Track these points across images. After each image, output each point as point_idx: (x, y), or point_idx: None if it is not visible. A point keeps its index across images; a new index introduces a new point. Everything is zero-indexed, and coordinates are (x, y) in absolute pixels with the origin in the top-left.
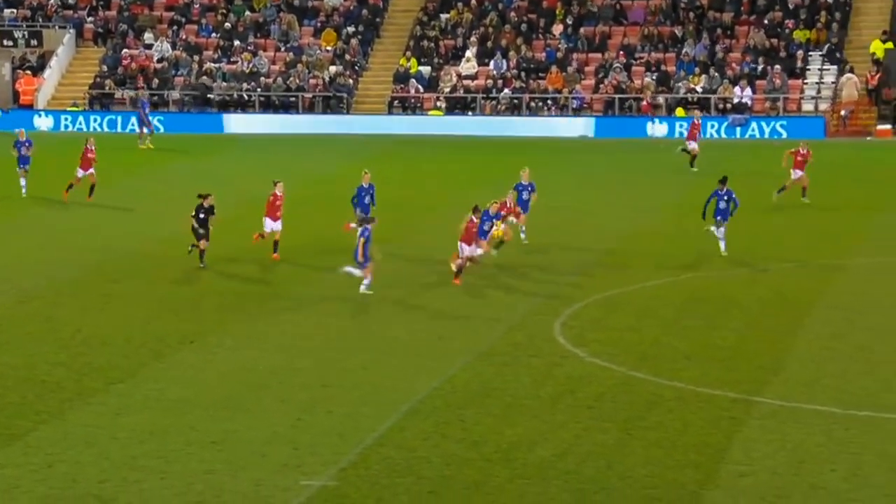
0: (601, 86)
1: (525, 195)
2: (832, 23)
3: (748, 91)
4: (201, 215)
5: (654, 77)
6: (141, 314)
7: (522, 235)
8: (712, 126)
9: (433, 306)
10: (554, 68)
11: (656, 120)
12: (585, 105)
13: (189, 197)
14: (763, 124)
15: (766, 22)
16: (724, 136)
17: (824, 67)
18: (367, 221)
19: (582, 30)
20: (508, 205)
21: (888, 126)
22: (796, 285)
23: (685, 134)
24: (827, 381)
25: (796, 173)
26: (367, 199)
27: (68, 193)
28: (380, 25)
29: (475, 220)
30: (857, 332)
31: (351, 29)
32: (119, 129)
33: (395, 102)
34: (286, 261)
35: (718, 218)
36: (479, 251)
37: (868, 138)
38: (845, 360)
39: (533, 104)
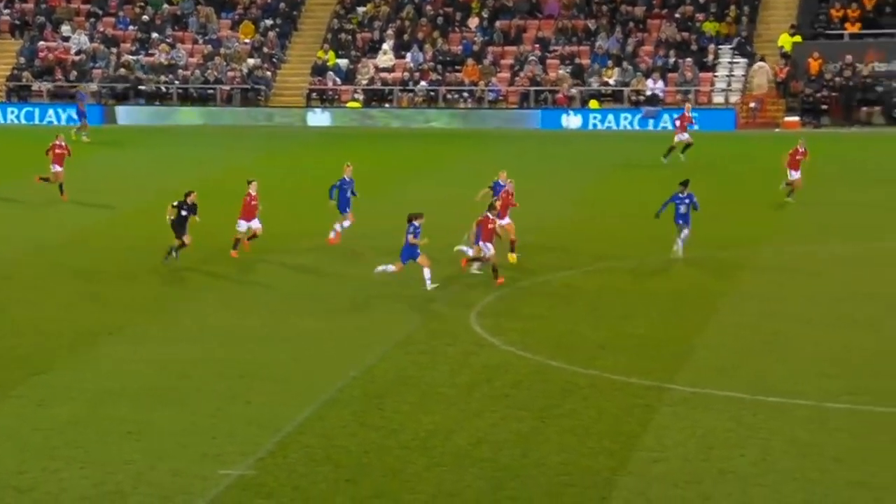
0: (516, 78)
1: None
2: (741, 17)
3: (660, 84)
4: (183, 212)
5: (568, 70)
6: (63, 305)
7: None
8: (625, 118)
9: (352, 297)
10: (470, 61)
11: (571, 112)
12: (501, 97)
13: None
14: (675, 116)
15: (677, 16)
16: (637, 127)
17: (734, 60)
18: (415, 218)
19: (497, 23)
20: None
21: (796, 118)
22: (708, 276)
23: (598, 126)
24: (737, 368)
25: (794, 174)
26: (348, 193)
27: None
28: (297, 18)
29: (490, 216)
30: (768, 321)
31: (269, 22)
32: (37, 122)
33: (313, 95)
34: (207, 254)
35: (680, 223)
36: (491, 250)
37: (776, 130)
38: (755, 348)
39: (449, 96)
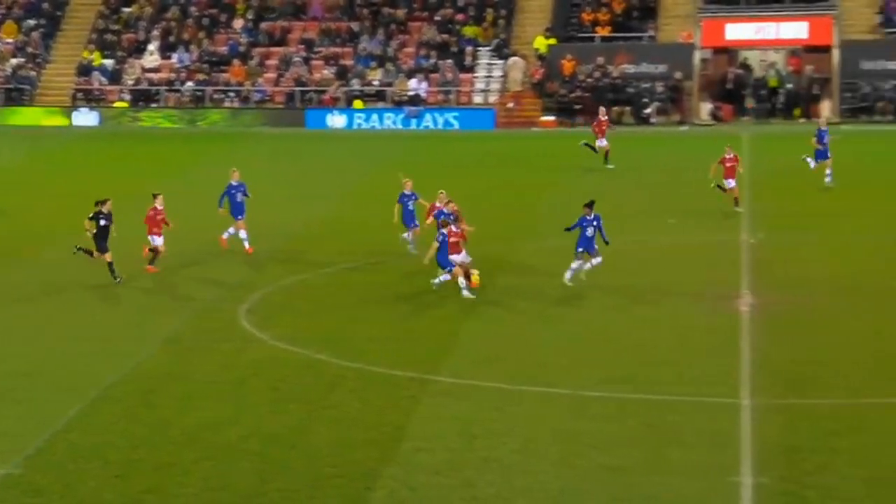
0: (282, 79)
1: (410, 205)
2: (499, 19)
3: (423, 84)
4: (102, 222)
5: (333, 70)
6: None
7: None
8: (389, 118)
9: (124, 295)
10: (236, 61)
11: (336, 112)
12: (268, 97)
13: None
14: (437, 115)
15: (437, 18)
16: (400, 126)
17: (492, 62)
18: (444, 226)
19: (262, 24)
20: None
21: (552, 117)
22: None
23: (363, 125)
24: (499, 359)
25: (730, 182)
26: (239, 198)
27: None
28: (61, 18)
29: (455, 229)
30: (527, 314)
31: (32, 21)
32: None
33: (79, 95)
34: None
35: (580, 250)
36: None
37: (533, 129)
38: (515, 340)
39: (216, 96)
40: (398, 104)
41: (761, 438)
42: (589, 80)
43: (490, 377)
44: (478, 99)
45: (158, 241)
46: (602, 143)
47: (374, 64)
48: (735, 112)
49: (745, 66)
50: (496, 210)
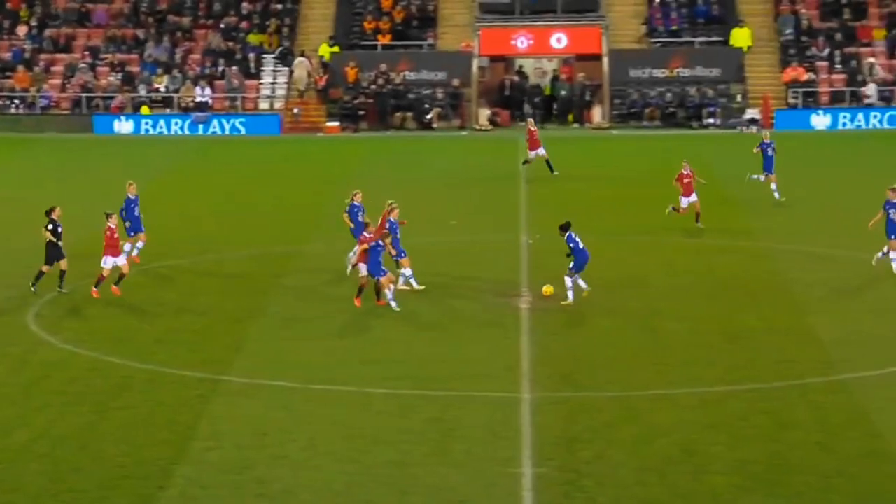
0: (68, 85)
1: (360, 216)
2: (282, 27)
3: (208, 90)
4: (59, 229)
5: (119, 77)
6: None
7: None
8: (176, 123)
9: None
10: (21, 68)
11: (123, 118)
12: (53, 103)
13: None
14: (224, 121)
15: (222, 26)
16: (188, 132)
17: (277, 69)
18: (385, 237)
19: (47, 31)
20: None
21: (336, 123)
22: (257, 270)
23: (150, 131)
24: (286, 358)
25: (688, 199)
26: (136, 212)
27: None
28: None
29: (366, 235)
30: (315, 311)
31: None
32: None
33: None
34: None
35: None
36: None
37: (319, 134)
38: (302, 339)
39: (1, 102)
40: (185, 110)
41: (540, 431)
42: (372, 86)
43: (279, 376)
44: (264, 105)
45: (117, 260)
46: (537, 153)
47: (160, 71)
48: (512, 117)
49: (522, 74)
50: (283, 212)
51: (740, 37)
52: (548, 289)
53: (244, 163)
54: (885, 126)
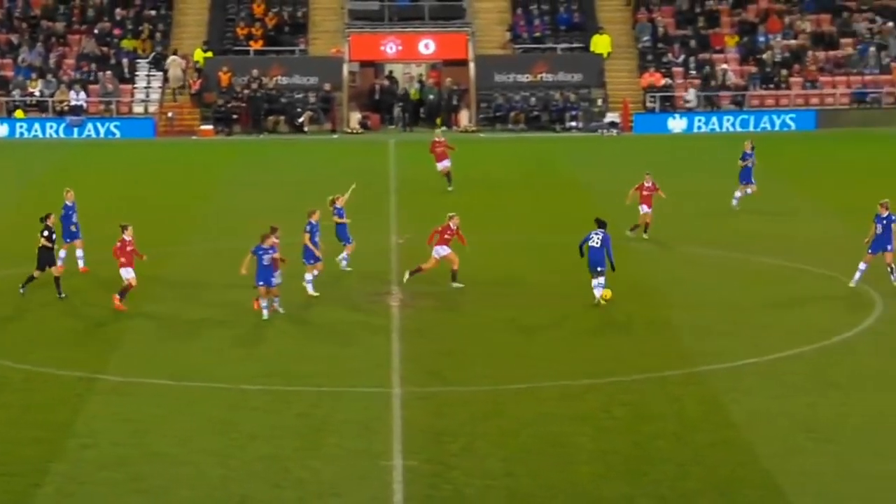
0: None
1: (317, 236)
2: (156, 33)
3: (83, 94)
4: (52, 235)
5: None
6: None
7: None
8: (51, 127)
9: None
10: None
11: None
12: None
13: None
14: (98, 125)
15: (96, 31)
16: (63, 136)
17: (151, 73)
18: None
19: None
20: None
21: (210, 126)
22: (137, 268)
23: (25, 135)
24: (162, 356)
25: (645, 209)
26: (74, 218)
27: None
28: None
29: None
30: (188, 310)
31: None
32: None
33: None
34: None
35: (598, 269)
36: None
37: (193, 137)
38: (177, 338)
39: None
40: (60, 114)
41: (410, 425)
42: (245, 91)
43: (155, 374)
44: (138, 109)
45: (130, 273)
46: (444, 164)
47: (34, 75)
48: (382, 121)
49: (391, 79)
50: (159, 214)
51: (600, 43)
52: (606, 293)
53: (120, 165)
54: (738, 129)
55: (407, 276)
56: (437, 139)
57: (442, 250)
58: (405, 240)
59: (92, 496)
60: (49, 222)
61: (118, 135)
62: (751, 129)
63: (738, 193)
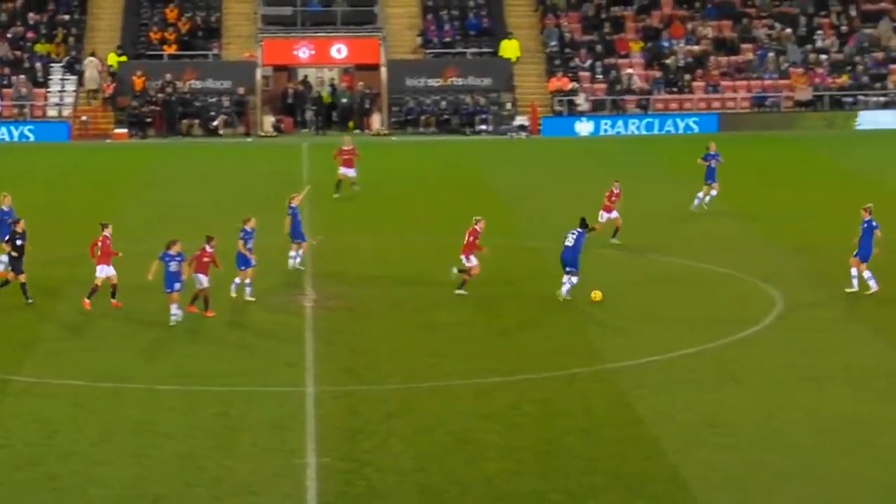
0: None
1: (251, 243)
2: (69, 37)
3: None
4: (18, 242)
5: None
6: None
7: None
8: None
9: None
10: None
11: None
12: None
13: None
14: (12, 128)
15: (9, 35)
16: None
17: (65, 77)
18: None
19: None
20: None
21: (124, 130)
22: (48, 274)
23: None
24: (76, 358)
25: (605, 216)
26: (10, 222)
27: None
28: None
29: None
30: (95, 316)
31: None
32: None
33: None
34: None
35: (567, 268)
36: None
37: (107, 141)
38: (91, 340)
39: None
40: None
41: (324, 423)
42: (160, 95)
43: (68, 376)
44: (52, 112)
45: (110, 271)
46: (348, 172)
47: None
48: (295, 124)
49: (304, 83)
50: (73, 216)
51: (509, 48)
52: (596, 294)
53: (34, 169)
54: (643, 132)
55: (455, 272)
56: (345, 147)
57: (474, 258)
58: (318, 241)
59: (5, 496)
60: (20, 228)
61: (32, 138)
62: (655, 132)
63: (700, 194)
